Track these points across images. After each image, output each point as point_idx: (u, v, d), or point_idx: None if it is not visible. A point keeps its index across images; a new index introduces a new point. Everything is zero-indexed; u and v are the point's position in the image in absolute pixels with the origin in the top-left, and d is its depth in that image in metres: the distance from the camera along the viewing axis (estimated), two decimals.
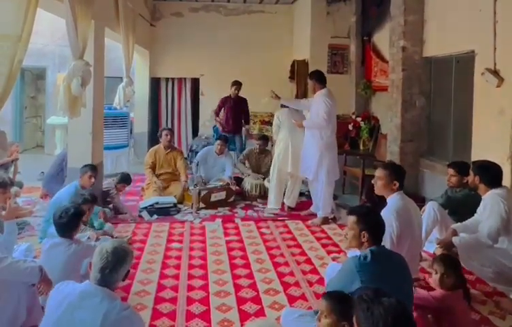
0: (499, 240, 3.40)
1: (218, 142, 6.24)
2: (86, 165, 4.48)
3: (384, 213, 2.77)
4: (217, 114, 7.28)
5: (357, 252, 2.70)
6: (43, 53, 9.23)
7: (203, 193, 5.45)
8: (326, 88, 4.95)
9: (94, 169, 4.44)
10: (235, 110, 7.11)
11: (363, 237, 2.36)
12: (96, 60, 4.97)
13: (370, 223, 2.37)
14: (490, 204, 3.42)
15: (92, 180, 4.34)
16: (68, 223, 2.91)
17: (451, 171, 4.17)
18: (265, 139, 6.56)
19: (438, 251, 3.57)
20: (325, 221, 4.96)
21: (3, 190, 3.39)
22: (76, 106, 4.35)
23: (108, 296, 1.95)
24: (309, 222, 4.98)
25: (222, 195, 5.61)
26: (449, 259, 2.74)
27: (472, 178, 3.62)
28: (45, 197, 5.50)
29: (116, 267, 1.98)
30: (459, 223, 3.65)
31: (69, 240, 2.91)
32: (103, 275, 1.96)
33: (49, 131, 9.39)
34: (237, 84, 7.09)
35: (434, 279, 2.70)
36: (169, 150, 5.96)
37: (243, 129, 7.29)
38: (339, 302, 2.05)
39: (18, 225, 3.50)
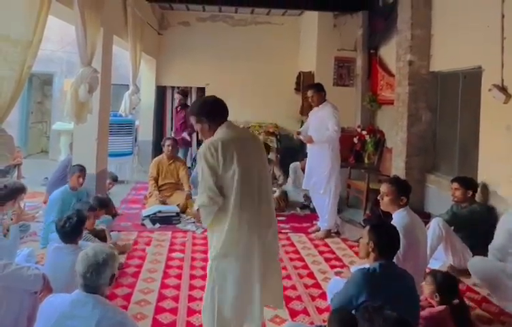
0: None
1: None
2: (74, 166, 4.48)
3: None
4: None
5: (360, 266, 2.67)
6: (51, 59, 9.30)
7: None
8: (328, 101, 4.94)
9: (82, 169, 4.38)
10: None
11: (371, 247, 2.36)
12: (104, 67, 5.00)
13: (380, 235, 2.37)
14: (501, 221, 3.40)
15: (81, 180, 4.32)
16: (72, 230, 2.92)
17: (455, 185, 4.14)
18: (267, 147, 6.57)
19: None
20: (328, 234, 4.91)
21: (19, 196, 3.39)
22: (83, 112, 4.38)
23: (100, 302, 1.94)
24: (313, 235, 4.93)
25: None
26: (442, 277, 2.72)
27: None
28: None
29: (98, 270, 1.96)
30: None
31: (74, 245, 2.94)
32: (85, 279, 1.94)
33: (54, 136, 9.43)
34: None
35: (426, 292, 2.71)
36: (172, 161, 5.94)
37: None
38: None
39: (20, 228, 3.50)
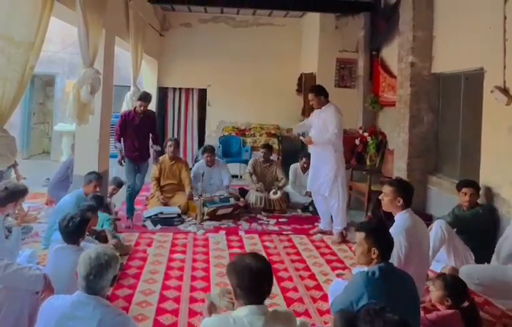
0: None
1: (205, 154, 6.19)
2: (91, 173, 4.38)
3: (392, 231, 2.69)
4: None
5: (361, 268, 2.66)
6: (53, 60, 9.32)
7: (210, 209, 5.40)
8: (331, 103, 4.91)
9: (99, 178, 4.38)
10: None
11: (373, 253, 2.31)
12: (106, 68, 5.00)
13: (380, 239, 2.33)
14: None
15: (97, 189, 4.30)
16: (75, 230, 2.92)
17: (470, 190, 4.06)
18: (269, 147, 6.59)
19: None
20: (342, 235, 4.87)
21: (21, 198, 3.38)
22: (85, 113, 4.39)
23: (101, 303, 1.94)
24: (313, 237, 4.91)
25: (228, 210, 5.59)
26: (453, 281, 2.70)
27: None
28: (50, 203, 5.51)
29: (101, 273, 1.96)
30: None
31: (76, 245, 2.93)
32: (88, 282, 1.94)
33: (56, 137, 9.45)
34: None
35: (434, 297, 2.68)
36: (174, 162, 5.94)
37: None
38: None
39: (22, 229, 3.50)
